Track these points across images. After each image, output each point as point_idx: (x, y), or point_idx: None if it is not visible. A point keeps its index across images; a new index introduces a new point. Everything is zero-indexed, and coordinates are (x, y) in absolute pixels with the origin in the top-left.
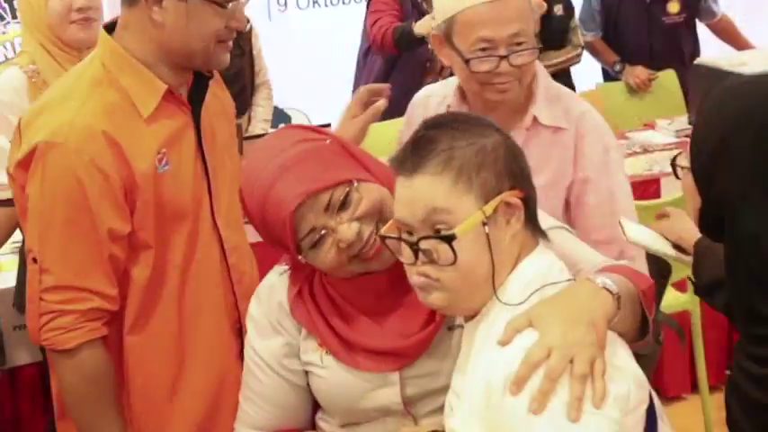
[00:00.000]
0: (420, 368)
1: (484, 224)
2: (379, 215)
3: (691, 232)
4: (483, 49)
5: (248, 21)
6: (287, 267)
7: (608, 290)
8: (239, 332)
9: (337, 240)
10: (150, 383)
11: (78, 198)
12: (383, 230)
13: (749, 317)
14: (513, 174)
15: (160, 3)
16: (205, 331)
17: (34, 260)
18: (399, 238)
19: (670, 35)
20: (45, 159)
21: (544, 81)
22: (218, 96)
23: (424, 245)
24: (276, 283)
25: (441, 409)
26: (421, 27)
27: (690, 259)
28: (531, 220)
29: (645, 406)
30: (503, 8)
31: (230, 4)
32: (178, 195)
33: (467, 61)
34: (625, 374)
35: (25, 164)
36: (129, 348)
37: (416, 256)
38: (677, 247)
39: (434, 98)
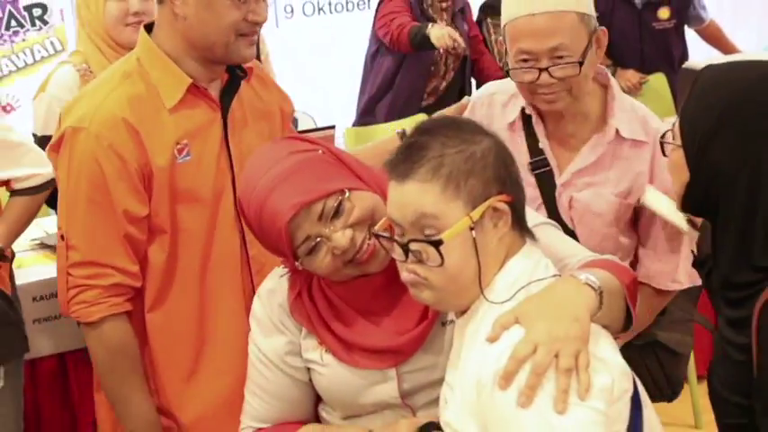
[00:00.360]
0: (416, 363)
1: (471, 229)
2: (371, 221)
3: None
4: (524, 60)
5: None
6: (286, 270)
7: (590, 285)
8: None
9: (332, 247)
10: (171, 359)
11: (99, 180)
12: (376, 228)
13: (729, 284)
14: (501, 179)
15: None
16: (225, 315)
17: (62, 237)
18: (391, 238)
19: (660, 40)
20: (71, 143)
21: (618, 93)
22: (260, 96)
23: (413, 246)
24: (276, 286)
25: (437, 401)
26: (437, 39)
27: (697, 234)
28: (519, 222)
29: (629, 395)
30: (546, 21)
31: (243, 2)
32: (197, 185)
33: (509, 71)
34: (608, 366)
35: (56, 147)
36: (150, 325)
37: (407, 255)
38: (690, 221)
39: (500, 96)
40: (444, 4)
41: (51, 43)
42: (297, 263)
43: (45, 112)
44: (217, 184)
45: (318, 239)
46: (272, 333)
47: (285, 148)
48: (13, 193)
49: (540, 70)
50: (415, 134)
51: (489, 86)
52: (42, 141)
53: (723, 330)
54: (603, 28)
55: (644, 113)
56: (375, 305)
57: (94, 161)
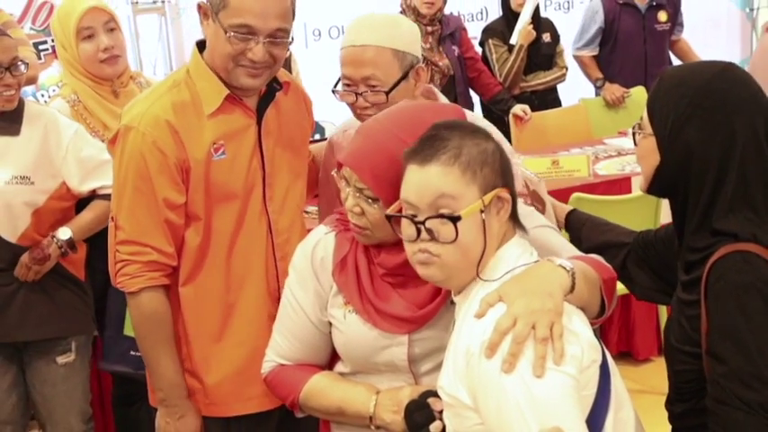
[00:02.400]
0: (425, 333)
1: (481, 211)
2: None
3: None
4: (347, 84)
5: (289, 49)
6: (331, 229)
7: (564, 267)
8: (278, 300)
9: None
10: (200, 329)
11: (143, 171)
12: (389, 210)
13: (689, 249)
14: (504, 174)
15: (207, 20)
16: (249, 294)
17: (112, 219)
18: (405, 216)
19: (660, 39)
20: (124, 139)
21: None
22: (296, 109)
23: (429, 224)
24: (321, 241)
25: (436, 370)
26: None
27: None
28: (513, 214)
29: (597, 364)
30: (363, 53)
31: (241, 42)
32: (230, 180)
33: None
34: (579, 338)
35: (113, 142)
36: (183, 298)
37: (418, 234)
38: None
39: (351, 130)
40: (431, 28)
41: None
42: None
43: None
44: (248, 180)
45: (347, 185)
46: (307, 284)
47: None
48: (97, 197)
49: (357, 94)
50: (434, 129)
51: (343, 124)
52: None
53: (678, 293)
54: (422, 66)
55: (484, 125)
56: (400, 279)
57: (140, 155)
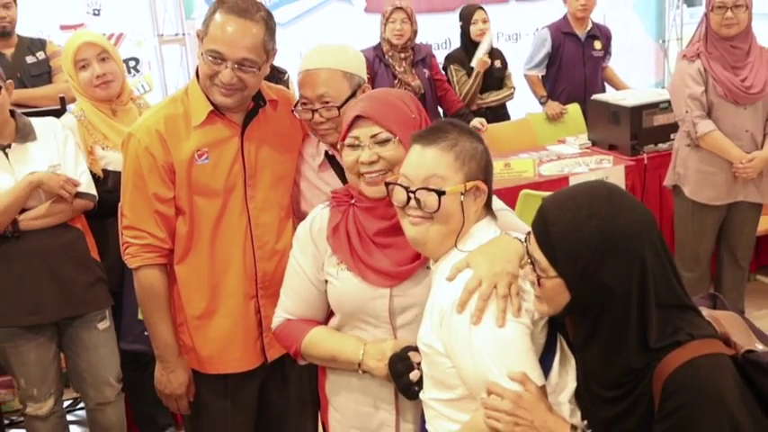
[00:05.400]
0: (404, 290)
1: (462, 194)
2: (390, 166)
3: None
4: (303, 103)
5: (286, 72)
6: (327, 204)
7: (519, 239)
8: (255, 281)
9: (359, 155)
10: (191, 301)
11: (138, 170)
12: (389, 179)
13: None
14: (486, 172)
15: (200, 45)
16: (231, 276)
17: (120, 208)
18: (401, 185)
19: (595, 64)
20: (127, 144)
21: None
22: (284, 122)
23: (419, 194)
24: (318, 215)
25: (412, 322)
26: None
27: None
28: (488, 204)
29: (544, 321)
30: (317, 75)
31: (213, 65)
32: (212, 181)
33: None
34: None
35: (122, 145)
36: (177, 275)
37: (408, 201)
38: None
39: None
40: (404, 55)
41: (142, 85)
42: (339, 144)
43: None
44: (229, 181)
45: (359, 144)
46: (306, 250)
47: (407, 96)
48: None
49: (313, 111)
50: (440, 123)
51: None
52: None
53: (596, 409)
54: (368, 86)
55: None
56: (386, 238)
57: (136, 157)
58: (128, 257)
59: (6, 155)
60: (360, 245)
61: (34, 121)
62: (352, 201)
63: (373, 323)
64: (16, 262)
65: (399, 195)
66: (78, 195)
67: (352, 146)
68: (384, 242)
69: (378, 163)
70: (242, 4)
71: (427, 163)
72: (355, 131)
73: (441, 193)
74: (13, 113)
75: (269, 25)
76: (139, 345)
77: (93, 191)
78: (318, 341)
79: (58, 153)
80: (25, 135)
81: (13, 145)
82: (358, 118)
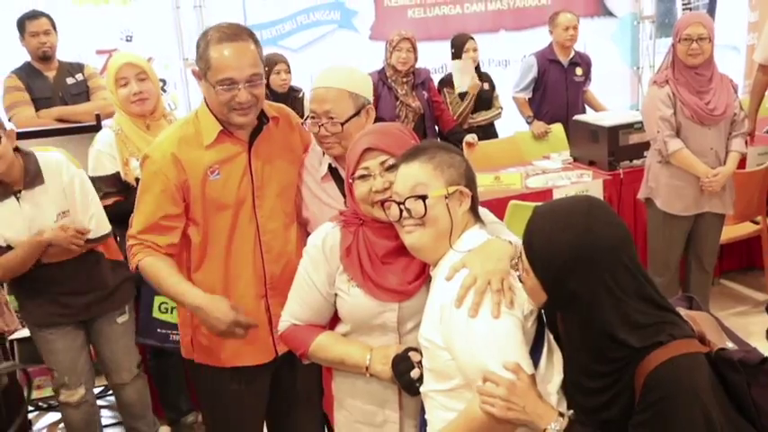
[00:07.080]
0: (411, 302)
1: (446, 197)
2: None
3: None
4: (312, 117)
5: (301, 90)
6: (336, 224)
7: (510, 242)
8: (264, 282)
9: (372, 184)
10: None
11: (150, 188)
12: (385, 199)
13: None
14: (467, 179)
15: (200, 81)
16: (243, 279)
17: (132, 216)
18: (395, 201)
19: (577, 89)
20: (144, 164)
21: None
22: (287, 137)
23: (408, 204)
24: (329, 234)
25: (417, 328)
26: None
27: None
28: (474, 210)
29: (535, 315)
30: (326, 93)
31: (228, 92)
32: (223, 196)
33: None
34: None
35: (141, 164)
36: (195, 281)
37: (401, 214)
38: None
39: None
40: (405, 79)
41: (168, 104)
42: (350, 179)
43: (93, 160)
44: (239, 194)
45: (369, 174)
46: (319, 266)
47: (402, 126)
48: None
49: (319, 125)
50: (422, 144)
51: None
52: (92, 180)
53: (580, 399)
54: (372, 106)
55: None
56: (394, 257)
57: (150, 177)
58: (131, 258)
59: (18, 200)
60: (370, 266)
61: (40, 158)
62: (361, 221)
63: (382, 332)
64: (43, 268)
65: (394, 211)
66: (89, 241)
67: (363, 177)
68: (392, 261)
69: (390, 189)
70: (228, 31)
71: (412, 174)
72: (365, 163)
73: (424, 198)
74: (18, 150)
75: (255, 39)
76: (152, 339)
77: (106, 229)
78: (326, 346)
79: (66, 198)
80: (33, 179)
81: (23, 192)
82: (366, 151)
